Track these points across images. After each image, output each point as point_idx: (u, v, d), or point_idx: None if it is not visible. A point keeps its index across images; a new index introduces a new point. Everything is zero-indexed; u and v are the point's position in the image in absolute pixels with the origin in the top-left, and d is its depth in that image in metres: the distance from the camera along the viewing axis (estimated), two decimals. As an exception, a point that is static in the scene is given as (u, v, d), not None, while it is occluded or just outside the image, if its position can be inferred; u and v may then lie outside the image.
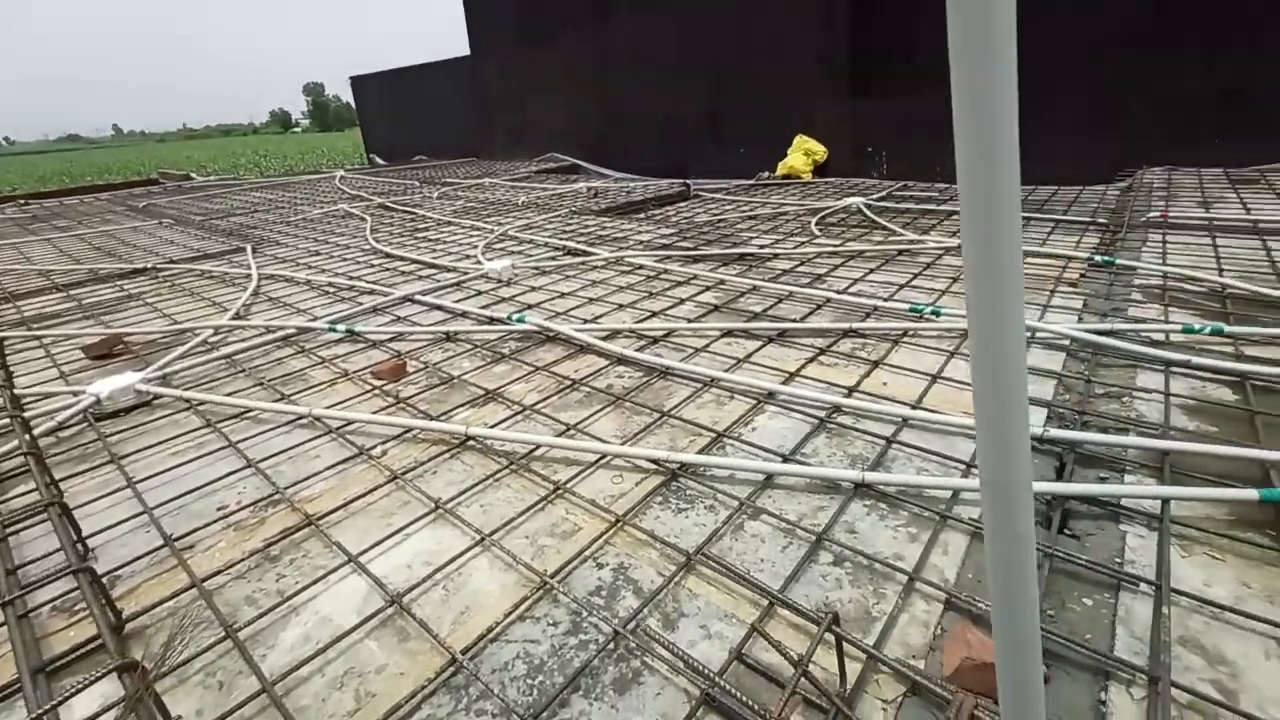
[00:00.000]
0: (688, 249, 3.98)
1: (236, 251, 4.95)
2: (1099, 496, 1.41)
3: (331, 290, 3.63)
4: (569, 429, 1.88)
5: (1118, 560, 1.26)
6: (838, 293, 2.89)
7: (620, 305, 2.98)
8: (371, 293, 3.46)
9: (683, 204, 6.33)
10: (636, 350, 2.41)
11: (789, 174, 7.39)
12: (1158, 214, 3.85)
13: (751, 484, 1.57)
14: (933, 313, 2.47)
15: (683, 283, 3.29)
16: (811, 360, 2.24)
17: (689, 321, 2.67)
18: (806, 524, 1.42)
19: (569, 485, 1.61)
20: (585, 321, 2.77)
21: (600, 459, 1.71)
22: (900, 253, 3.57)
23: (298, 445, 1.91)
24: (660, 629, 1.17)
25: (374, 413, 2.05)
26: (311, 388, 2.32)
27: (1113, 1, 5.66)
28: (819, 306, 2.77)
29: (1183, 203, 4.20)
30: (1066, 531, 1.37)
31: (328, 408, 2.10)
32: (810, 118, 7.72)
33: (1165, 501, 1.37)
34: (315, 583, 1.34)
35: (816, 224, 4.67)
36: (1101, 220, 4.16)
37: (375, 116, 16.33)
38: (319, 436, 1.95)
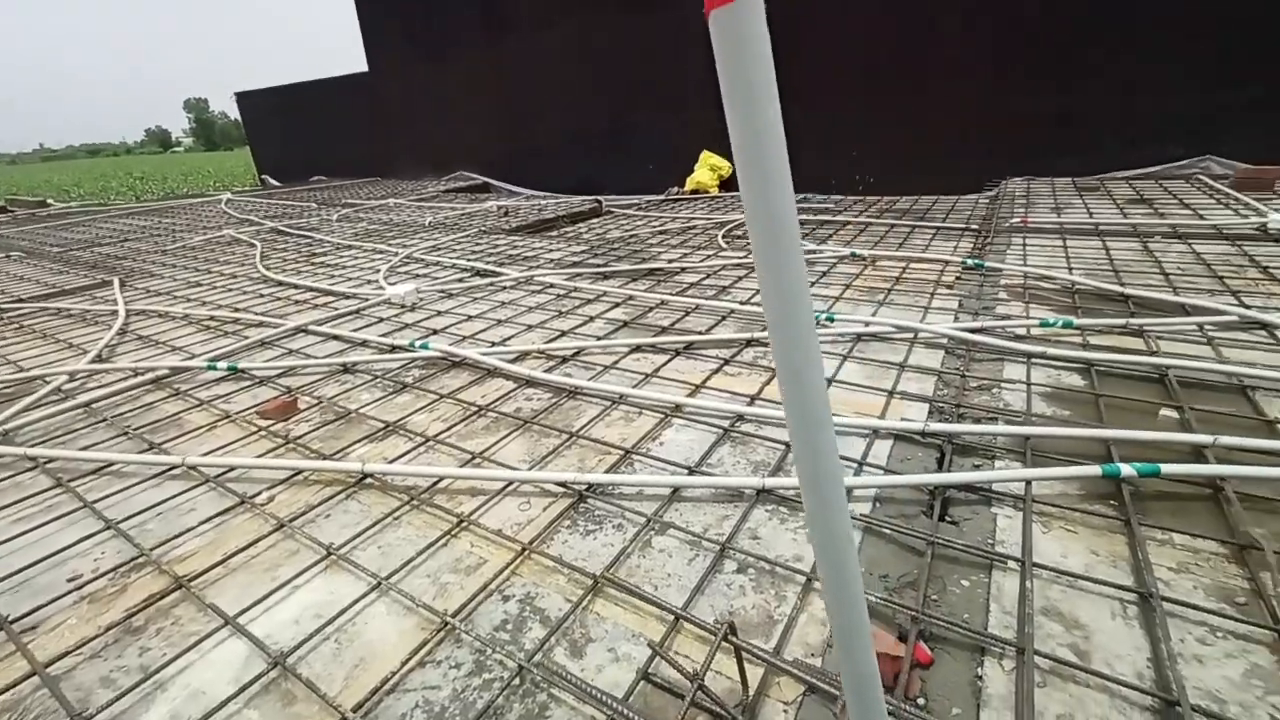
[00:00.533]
0: (598, 266, 4.00)
1: (101, 286, 4.47)
2: (973, 483, 1.53)
3: (213, 324, 3.35)
4: (475, 458, 1.82)
5: (990, 541, 1.37)
6: (741, 304, 3.00)
7: (529, 326, 2.95)
8: (260, 325, 3.22)
9: (595, 220, 6.37)
10: (546, 371, 2.39)
11: (697, 189, 7.62)
12: (1019, 220, 4.28)
13: (659, 499, 1.58)
14: (827, 319, 2.61)
15: (592, 300, 3.29)
16: (717, 371, 2.30)
17: (598, 339, 2.68)
18: (712, 534, 1.44)
19: (474, 517, 1.56)
20: (493, 344, 2.71)
21: (507, 486, 1.67)
22: (799, 262, 3.75)
23: (169, 500, 1.73)
24: (568, 657, 1.15)
25: (259, 456, 1.90)
26: (187, 434, 2.11)
27: (970, 34, 6.29)
28: (724, 318, 2.86)
29: (1039, 209, 4.70)
30: (947, 519, 1.48)
31: (205, 455, 1.93)
32: (714, 134, 8.02)
33: (1028, 483, 1.51)
34: (186, 652, 1.21)
35: (723, 237, 4.83)
36: (974, 227, 4.58)
37: (266, 135, 15.35)
38: (194, 487, 1.78)
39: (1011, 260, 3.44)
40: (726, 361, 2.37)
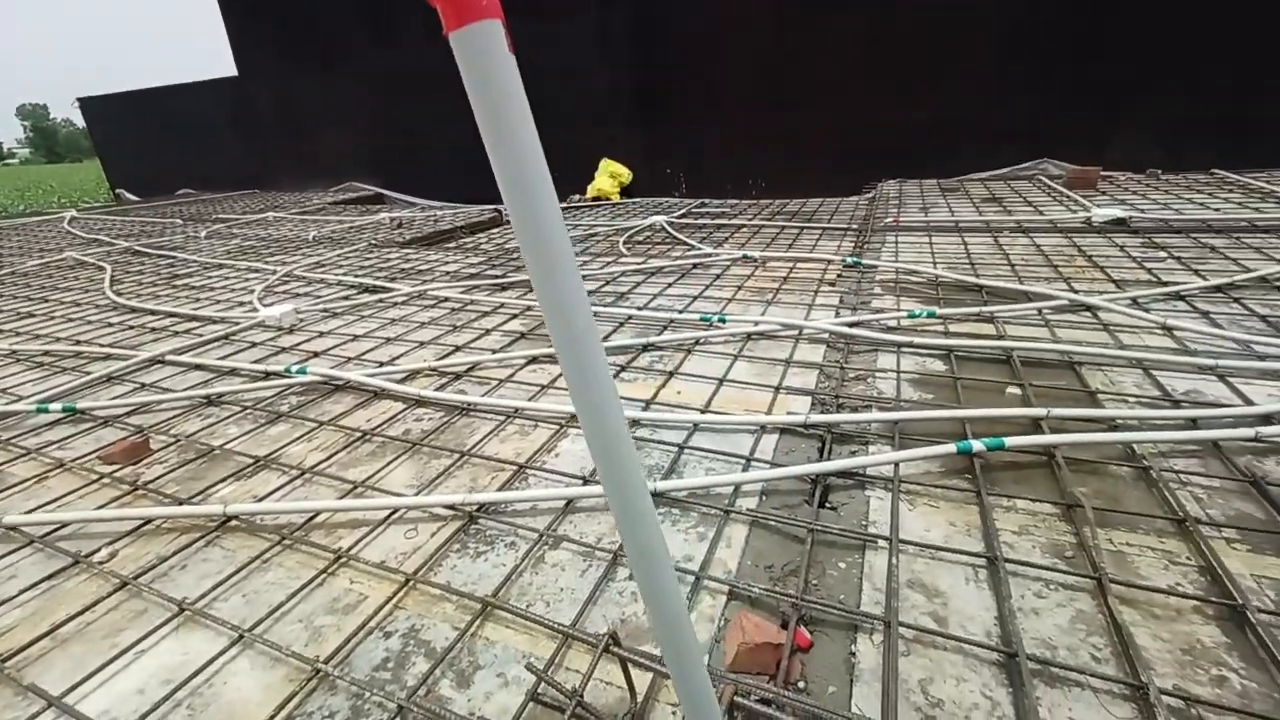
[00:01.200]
0: (496, 277, 3.91)
1: (-98, 322, 3.81)
2: (849, 470, 1.63)
3: (48, 361, 2.94)
4: (356, 487, 1.71)
5: (864, 523, 1.46)
6: (639, 309, 3.04)
7: (422, 343, 2.82)
8: (107, 358, 2.87)
9: (495, 230, 6.24)
10: (438, 389, 2.29)
11: (598, 196, 7.66)
12: (892, 220, 4.64)
13: (553, 512, 1.56)
14: (720, 320, 2.69)
15: (489, 312, 3.21)
16: (614, 377, 2.30)
17: (494, 353, 2.61)
18: (605, 543, 1.44)
19: (355, 551, 1.46)
20: (381, 364, 2.57)
21: (392, 515, 1.58)
22: (695, 266, 3.86)
23: (-19, 567, 1.49)
24: (454, 689, 1.10)
25: (100, 507, 1.69)
26: (9, 489, 1.84)
27: (845, 54, 6.77)
28: (621, 324, 2.88)
29: (909, 209, 5.12)
30: (828, 505, 1.56)
31: (29, 512, 1.68)
32: (612, 142, 8.11)
33: (896, 465, 1.63)
34: (-3, 746, 1.04)
35: (624, 243, 4.88)
36: (854, 227, 4.91)
37: (120, 145, 13.78)
38: (15, 551, 1.55)
39: (885, 257, 3.71)
40: (624, 367, 2.38)
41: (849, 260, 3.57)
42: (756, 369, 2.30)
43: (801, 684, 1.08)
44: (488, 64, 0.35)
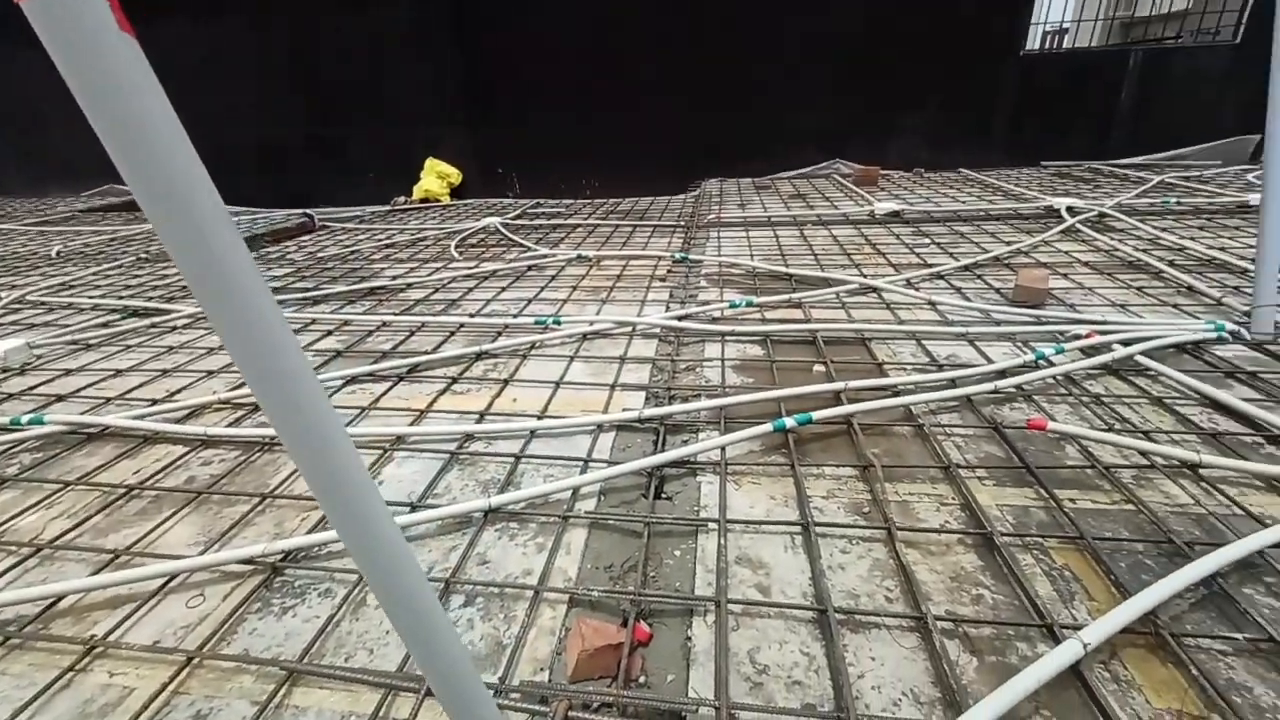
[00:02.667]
0: (306, 290, 3.50)
1: None
2: (680, 458, 1.69)
3: None
4: (118, 556, 1.41)
5: (696, 508, 1.53)
6: (471, 316, 2.90)
7: (210, 372, 2.42)
8: None
9: (306, 238, 5.59)
10: (230, 425, 1.98)
11: (426, 198, 7.22)
12: (714, 216, 4.95)
13: (376, 548, 1.42)
14: (555, 322, 2.66)
15: (299, 330, 2.85)
16: (444, 391, 2.17)
17: (303, 375, 2.32)
18: (437, 571, 1.34)
19: (114, 636, 1.20)
20: (154, 402, 2.16)
21: (168, 582, 1.33)
22: (530, 268, 3.79)
23: None
24: (255, 776, 0.95)
25: None
26: None
27: (662, 59, 7.06)
28: (452, 333, 2.73)
29: (729, 206, 5.51)
30: (663, 495, 1.61)
31: None
32: (437, 142, 7.68)
33: (722, 449, 1.72)
34: None
35: (456, 247, 4.64)
36: (682, 224, 5.16)
37: None
38: None
39: (710, 252, 3.95)
40: (455, 380, 2.25)
41: (677, 256, 3.74)
42: (593, 368, 2.31)
43: (642, 679, 1.10)
44: (88, 42, 0.28)
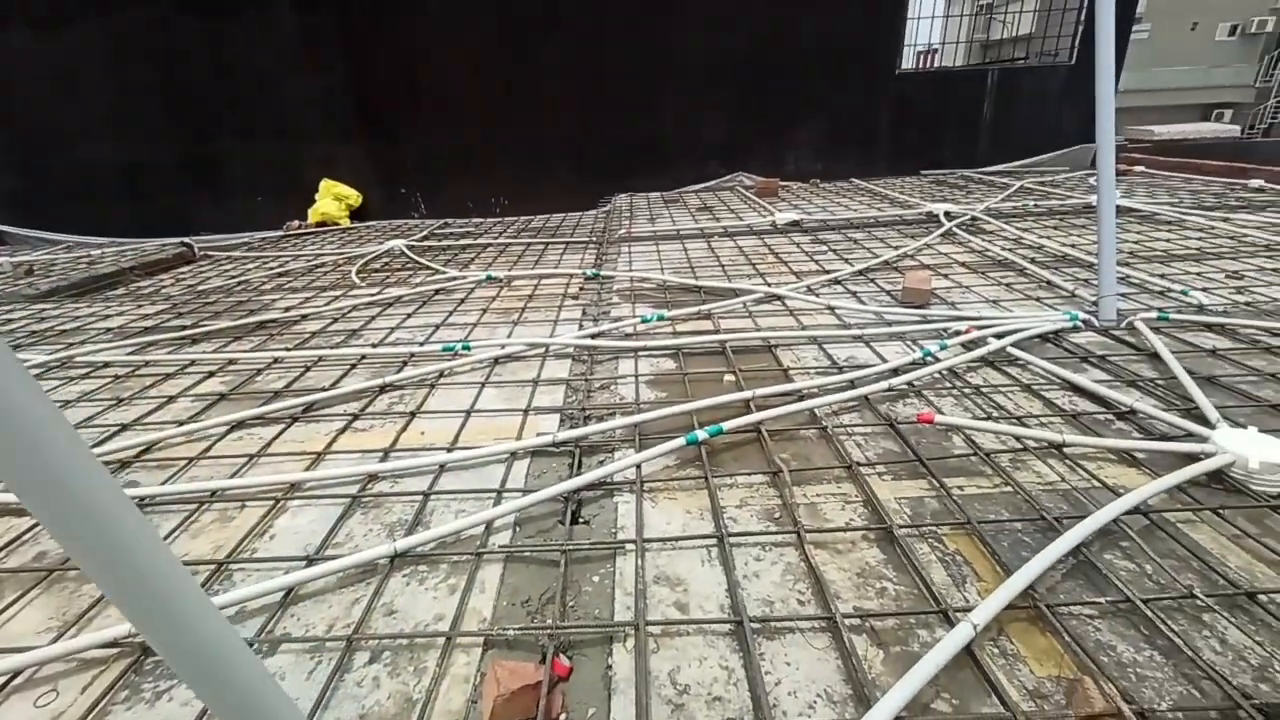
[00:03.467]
0: (182, 328, 3.19)
1: None
2: (596, 480, 1.67)
3: None
4: (-55, 656, 1.21)
5: (613, 531, 1.52)
6: (374, 346, 2.76)
7: (66, 427, 2.15)
8: None
9: (185, 269, 5.12)
10: (91, 487, 1.76)
11: (324, 221, 6.83)
12: (624, 231, 5.01)
13: (268, 610, 1.30)
14: (464, 348, 2.58)
15: (174, 374, 2.60)
16: (344, 429, 2.04)
17: (180, 425, 2.11)
18: (339, 628, 1.25)
19: (-60, 754, 1.02)
20: (-6, 468, 1.89)
21: (10, 680, 1.15)
22: (438, 292, 3.66)
23: None
24: None
25: None
26: None
27: (568, 77, 7.09)
28: (354, 366, 2.58)
29: (639, 220, 5.59)
30: (580, 520, 1.58)
31: None
32: (332, 161, 7.29)
33: (638, 467, 1.73)
34: None
35: (358, 273, 4.41)
36: (594, 240, 5.18)
37: None
38: None
39: (621, 267, 3.98)
40: (356, 416, 2.13)
41: (589, 273, 3.74)
42: (505, 394, 2.26)
43: (563, 717, 1.06)
44: None
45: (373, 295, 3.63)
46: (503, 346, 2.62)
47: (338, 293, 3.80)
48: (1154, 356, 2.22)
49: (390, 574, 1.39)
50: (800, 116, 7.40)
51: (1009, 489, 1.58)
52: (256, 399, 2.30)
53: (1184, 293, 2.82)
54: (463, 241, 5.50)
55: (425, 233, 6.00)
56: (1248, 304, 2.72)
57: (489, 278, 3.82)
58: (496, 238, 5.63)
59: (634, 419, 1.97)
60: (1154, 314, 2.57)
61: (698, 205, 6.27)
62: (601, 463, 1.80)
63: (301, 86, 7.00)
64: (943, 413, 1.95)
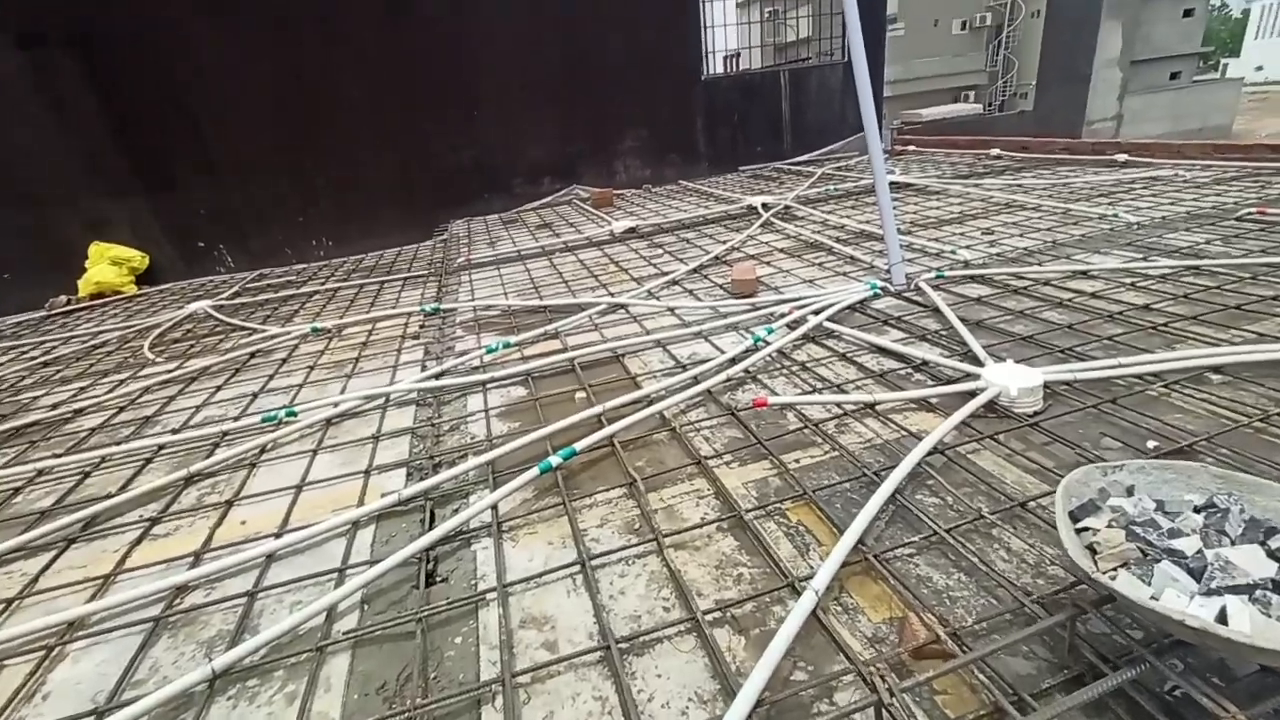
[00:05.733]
0: (-98, 454, 2.53)
1: None
2: (451, 532, 1.58)
3: None
4: None
5: (474, 582, 1.44)
6: (175, 432, 2.39)
7: None
8: None
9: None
10: None
11: (100, 292, 5.81)
12: (464, 259, 4.84)
13: (46, 791, 1.06)
14: (289, 414, 2.32)
15: (-110, 516, 2.04)
16: (141, 540, 1.73)
17: (-99, 582, 1.66)
18: (147, 786, 1.05)
19: None
20: None
21: None
22: (254, 355, 3.27)
23: None
24: None
25: None
26: None
27: (380, 104, 6.67)
28: (149, 460, 2.21)
29: (479, 245, 5.43)
30: (437, 579, 1.48)
31: None
32: (105, 221, 6.22)
33: (494, 508, 1.66)
34: None
35: (152, 347, 3.80)
36: (434, 271, 4.94)
37: None
38: None
39: (464, 297, 3.84)
40: (156, 520, 1.82)
41: (428, 309, 3.56)
42: (342, 457, 2.06)
43: (433, 804, 0.98)
44: None
45: (171, 371, 3.14)
46: (335, 405, 2.39)
47: (124, 375, 3.24)
48: (937, 311, 2.58)
49: (211, 700, 1.20)
50: (623, 127, 7.65)
51: (836, 453, 1.73)
52: (14, 526, 1.88)
53: (953, 252, 3.32)
54: (283, 293, 4.97)
55: (236, 289, 5.34)
56: (998, 254, 3.27)
57: (314, 330, 3.48)
58: (324, 283, 5.17)
59: (487, 457, 1.89)
60: (933, 274, 2.99)
61: (537, 223, 6.23)
62: (456, 511, 1.71)
63: (41, 137, 5.88)
64: (776, 394, 2.10)
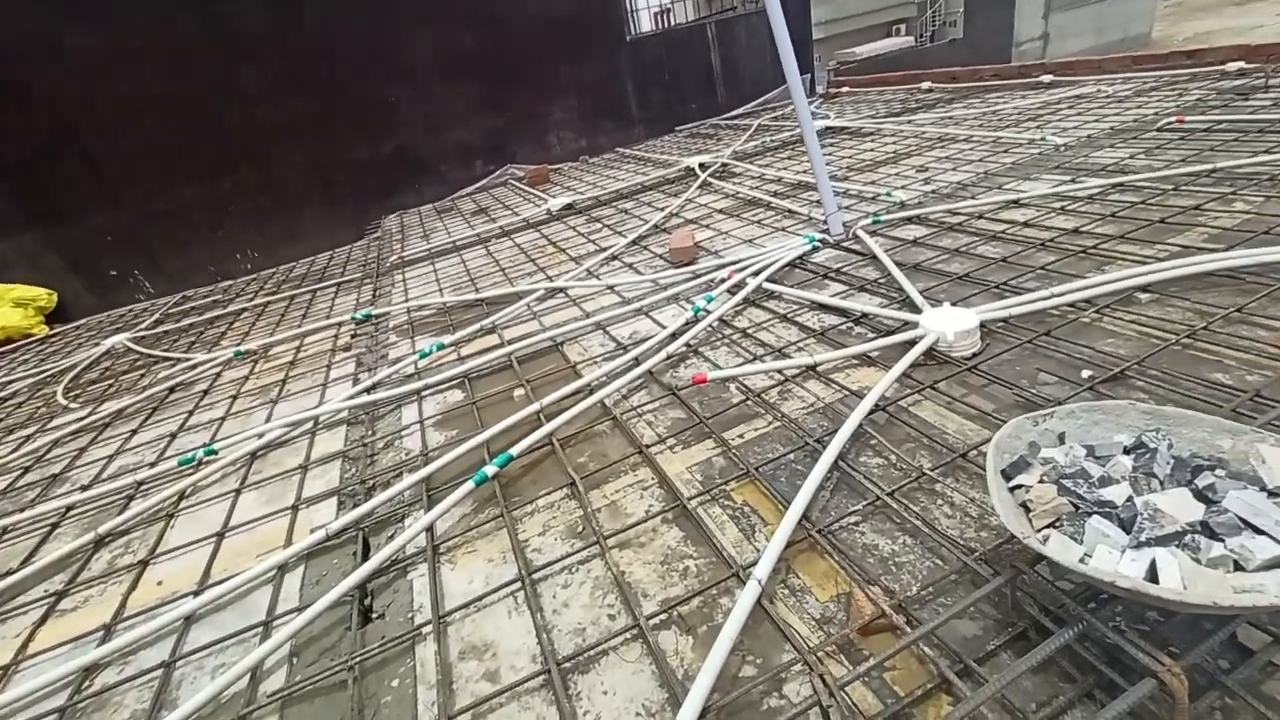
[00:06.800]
0: None
1: None
2: (385, 562, 1.48)
3: None
4: None
5: (410, 615, 1.35)
6: (84, 489, 2.21)
7: None
8: None
9: None
10: None
11: (9, 338, 5.39)
12: (396, 257, 4.61)
13: None
14: (207, 453, 2.16)
15: None
16: (44, 619, 1.59)
17: None
18: None
19: None
20: None
21: None
22: (173, 389, 3.05)
23: None
24: None
25: None
26: None
27: (286, 101, 6.22)
28: (56, 525, 2.04)
29: (412, 240, 5.19)
30: (373, 616, 1.39)
31: None
32: (-1, 260, 5.74)
33: (429, 530, 1.56)
34: None
35: (66, 392, 3.54)
36: (367, 275, 4.70)
37: None
38: None
39: (397, 299, 3.65)
40: (62, 594, 1.67)
41: (358, 317, 3.37)
42: (267, 494, 1.93)
43: None
44: None
45: (83, 417, 2.92)
46: (260, 436, 2.24)
47: (32, 428, 3.00)
48: (875, 258, 2.53)
49: (126, 791, 1.10)
50: (551, 98, 7.35)
51: (780, 423, 1.68)
52: (-92, 620, 1.71)
53: (889, 194, 3.27)
54: (209, 315, 4.68)
55: (157, 316, 5.02)
56: (933, 191, 3.23)
57: (238, 354, 3.26)
58: (252, 299, 4.88)
59: (422, 473, 1.78)
60: (869, 219, 2.94)
61: (472, 209, 5.98)
62: (392, 537, 1.61)
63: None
64: (717, 367, 2.03)
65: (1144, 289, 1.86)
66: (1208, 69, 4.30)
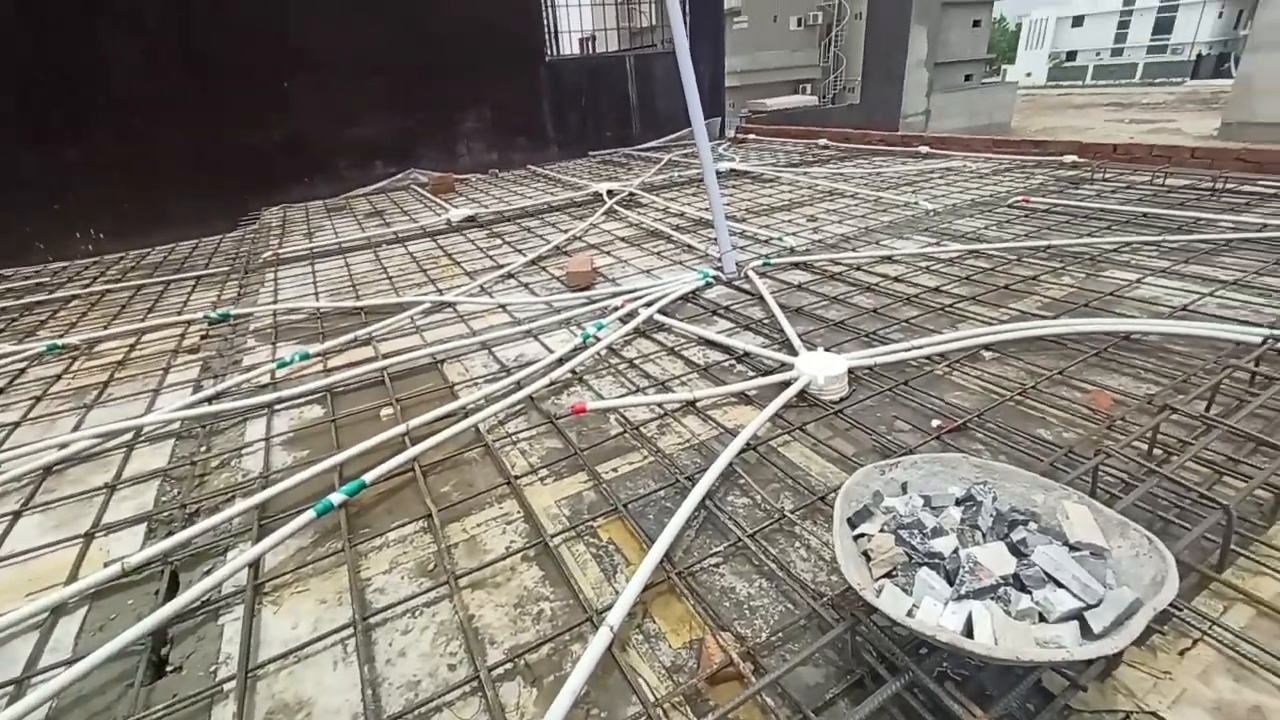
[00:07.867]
0: None
1: None
2: (192, 604, 1.28)
3: None
4: None
5: (214, 667, 1.16)
6: None
7: None
8: None
9: None
10: None
11: None
12: (271, 253, 4.20)
13: None
14: (-15, 467, 1.80)
15: None
16: None
17: None
18: None
19: None
20: None
21: None
22: (-41, 386, 2.54)
23: None
24: None
25: None
26: None
27: (158, 72, 5.56)
28: None
29: (294, 237, 4.77)
30: (169, 669, 1.19)
31: None
32: None
33: (253, 565, 1.37)
34: None
35: None
36: (234, 271, 4.24)
37: None
38: None
39: (264, 299, 3.31)
40: None
41: (213, 317, 3.01)
42: (56, 518, 1.62)
43: None
44: None
45: None
46: (61, 447, 1.90)
47: None
48: (762, 299, 2.63)
49: None
50: (465, 106, 7.15)
51: (654, 458, 1.66)
52: None
53: (780, 239, 3.44)
54: (28, 300, 4.00)
55: (-41, 298, 4.21)
56: (820, 240, 3.44)
57: (53, 348, 2.79)
58: (88, 286, 4.24)
59: (256, 499, 1.58)
60: (761, 261, 3.06)
61: (368, 210, 5.63)
62: (208, 573, 1.40)
63: None
64: (600, 396, 1.99)
65: (988, 347, 2.05)
66: (1050, 158, 4.98)
